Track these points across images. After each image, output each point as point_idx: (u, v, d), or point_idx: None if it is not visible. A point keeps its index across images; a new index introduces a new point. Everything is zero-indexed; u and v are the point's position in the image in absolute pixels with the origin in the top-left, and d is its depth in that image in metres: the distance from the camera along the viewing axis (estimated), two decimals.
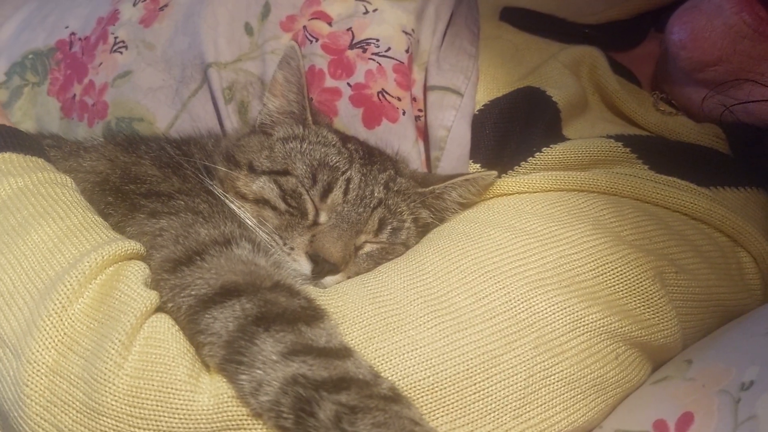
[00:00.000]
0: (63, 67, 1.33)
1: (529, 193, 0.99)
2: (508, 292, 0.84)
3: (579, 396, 0.82)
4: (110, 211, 0.91)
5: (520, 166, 1.05)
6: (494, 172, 1.00)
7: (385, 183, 0.97)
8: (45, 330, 0.74)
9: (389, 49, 1.12)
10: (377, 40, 1.12)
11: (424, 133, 1.12)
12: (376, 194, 0.95)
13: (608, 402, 0.85)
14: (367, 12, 1.16)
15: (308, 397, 0.68)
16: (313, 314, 0.76)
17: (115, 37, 1.26)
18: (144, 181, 0.94)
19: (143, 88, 1.21)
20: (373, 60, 1.11)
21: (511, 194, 1.00)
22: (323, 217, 0.92)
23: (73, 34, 1.35)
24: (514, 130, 1.09)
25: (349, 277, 0.92)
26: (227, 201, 0.92)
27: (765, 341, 0.79)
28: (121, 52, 1.24)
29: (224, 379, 0.75)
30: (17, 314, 0.76)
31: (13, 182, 0.87)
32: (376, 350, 0.79)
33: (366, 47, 1.12)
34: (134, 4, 1.28)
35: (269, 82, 1.02)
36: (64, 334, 0.74)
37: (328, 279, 0.90)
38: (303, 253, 0.90)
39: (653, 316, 0.87)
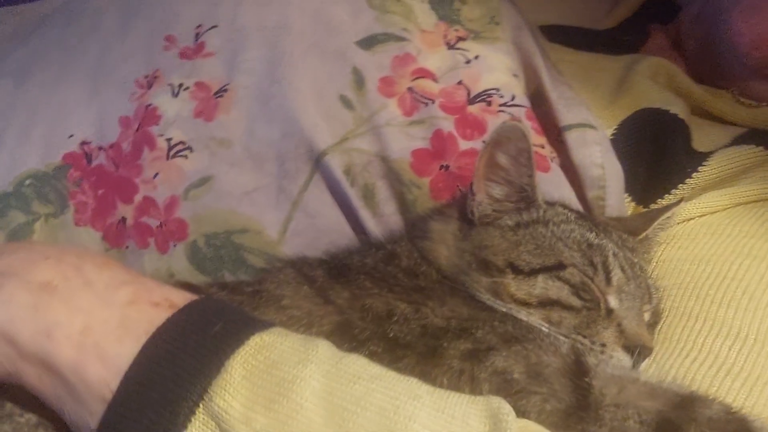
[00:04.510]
0: (88, 188, 1.06)
1: (708, 215, 1.01)
2: None
3: None
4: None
5: (677, 189, 1.05)
6: (683, 203, 1.00)
7: (623, 244, 0.90)
8: None
9: (514, 97, 1.04)
10: (497, 90, 1.04)
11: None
12: (635, 260, 0.88)
13: None
14: (469, 61, 1.06)
15: None
16: (739, 417, 0.70)
17: (168, 140, 1.03)
18: (404, 318, 0.77)
19: (235, 194, 1.01)
20: (503, 112, 1.03)
21: (691, 219, 1.01)
22: (613, 302, 0.83)
23: (85, 143, 1.08)
24: (643, 156, 1.09)
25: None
26: (516, 313, 0.80)
27: None
28: (185, 156, 1.02)
29: None
30: None
31: (319, 378, 0.65)
32: None
33: (489, 99, 1.04)
34: (174, 95, 1.05)
35: (478, 167, 0.88)
36: None
37: (643, 365, 0.83)
38: (619, 347, 0.80)
39: None
